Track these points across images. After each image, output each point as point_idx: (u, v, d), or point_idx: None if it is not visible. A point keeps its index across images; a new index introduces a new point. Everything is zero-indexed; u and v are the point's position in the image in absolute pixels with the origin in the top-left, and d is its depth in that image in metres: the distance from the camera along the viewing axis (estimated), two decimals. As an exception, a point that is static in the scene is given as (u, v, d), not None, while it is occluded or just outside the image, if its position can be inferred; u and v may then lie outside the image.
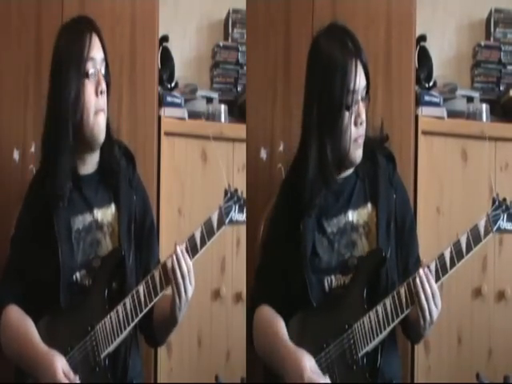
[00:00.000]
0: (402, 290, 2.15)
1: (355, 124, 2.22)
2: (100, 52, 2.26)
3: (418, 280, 2.12)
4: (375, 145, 2.31)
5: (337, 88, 2.19)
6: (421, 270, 2.13)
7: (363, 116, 2.22)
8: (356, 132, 2.22)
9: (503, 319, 3.01)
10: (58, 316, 2.21)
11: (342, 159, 2.25)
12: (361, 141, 2.24)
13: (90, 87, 2.23)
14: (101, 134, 2.25)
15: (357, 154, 2.25)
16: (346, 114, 2.20)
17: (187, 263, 2.14)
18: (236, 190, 2.18)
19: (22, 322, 2.23)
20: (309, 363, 2.15)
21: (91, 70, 2.23)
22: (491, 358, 2.99)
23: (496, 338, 3.00)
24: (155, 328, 2.28)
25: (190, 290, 2.15)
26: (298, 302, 2.25)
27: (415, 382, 2.89)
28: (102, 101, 2.25)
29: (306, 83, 2.29)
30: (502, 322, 3.01)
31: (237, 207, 2.16)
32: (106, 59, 2.27)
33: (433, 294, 2.11)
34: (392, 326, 2.16)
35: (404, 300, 2.15)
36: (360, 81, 2.20)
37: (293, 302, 2.26)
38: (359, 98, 2.21)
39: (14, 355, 2.24)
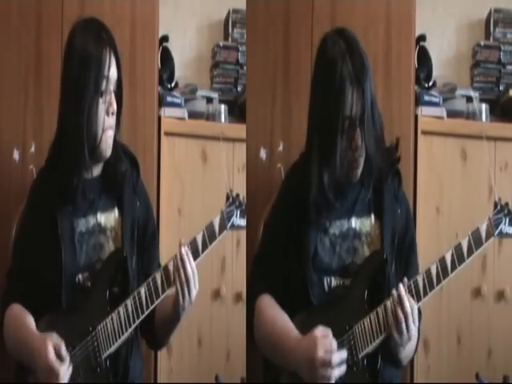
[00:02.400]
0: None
1: (350, 148, 2.21)
2: (115, 71, 2.23)
3: (395, 298, 2.14)
4: (385, 164, 2.29)
5: (333, 116, 2.18)
6: (394, 291, 2.15)
7: (358, 141, 2.20)
8: (352, 156, 2.22)
9: (503, 319, 3.02)
10: (59, 316, 2.21)
11: (339, 181, 2.25)
12: (356, 164, 2.23)
13: (101, 106, 2.21)
14: (107, 150, 2.25)
15: (353, 175, 2.26)
16: (341, 140, 2.19)
17: (191, 265, 2.15)
18: (238, 196, 2.19)
19: (21, 315, 2.24)
20: (322, 342, 2.13)
21: (105, 89, 2.21)
22: (491, 357, 3.00)
23: (495, 337, 3.00)
24: (157, 330, 2.29)
25: (194, 292, 2.16)
26: (298, 299, 2.25)
27: (415, 381, 2.90)
28: (112, 120, 2.24)
29: (310, 92, 2.28)
30: (501, 321, 3.01)
31: (238, 212, 2.18)
32: (120, 78, 2.25)
33: (412, 312, 2.13)
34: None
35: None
36: (357, 107, 2.18)
37: (292, 298, 2.25)
38: (357, 123, 2.19)
39: (13, 348, 2.24)
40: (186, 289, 2.14)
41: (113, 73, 2.23)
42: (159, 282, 2.16)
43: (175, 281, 2.14)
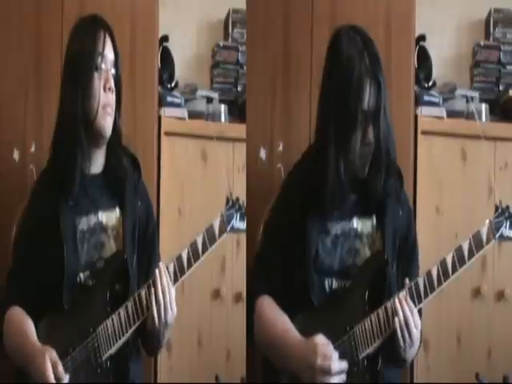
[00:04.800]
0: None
1: (362, 143, 2.22)
2: (111, 52, 2.27)
3: (396, 304, 2.14)
4: (389, 169, 2.28)
5: (352, 111, 2.20)
6: (396, 300, 2.15)
7: (370, 136, 2.21)
8: (363, 150, 2.23)
9: (502, 319, 3.02)
10: (60, 316, 2.21)
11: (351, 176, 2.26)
12: (366, 159, 2.24)
13: (98, 82, 2.24)
14: (106, 129, 2.26)
15: (362, 171, 2.26)
16: (356, 133, 2.21)
17: (169, 285, 2.14)
18: (237, 199, 2.19)
19: (23, 323, 2.23)
20: (321, 349, 2.14)
21: (101, 66, 2.25)
22: (490, 357, 3.00)
23: (495, 337, 3.01)
24: (147, 338, 2.27)
25: (171, 315, 2.16)
26: (299, 300, 2.24)
27: (414, 382, 2.90)
28: (110, 97, 2.26)
29: (322, 85, 2.30)
30: (501, 321, 3.02)
31: (238, 216, 2.18)
32: (117, 62, 2.28)
33: (413, 316, 2.13)
34: (393, 329, 2.16)
35: None
36: (373, 103, 2.20)
37: (293, 298, 2.25)
38: (370, 118, 2.21)
39: (13, 353, 2.24)
40: (161, 308, 2.14)
41: (108, 53, 2.27)
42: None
43: (151, 301, 2.14)
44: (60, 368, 2.14)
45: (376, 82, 2.20)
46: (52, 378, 2.13)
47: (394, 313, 2.14)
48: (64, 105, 2.28)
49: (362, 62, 2.21)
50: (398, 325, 2.13)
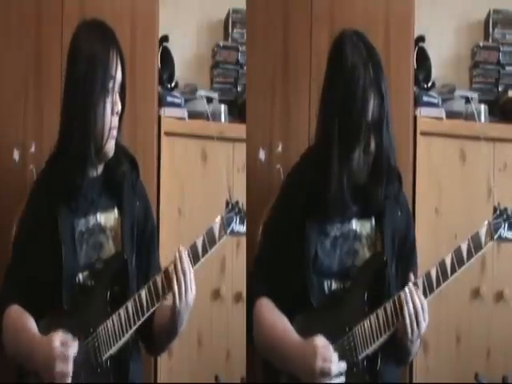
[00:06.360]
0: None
1: (364, 152, 2.22)
2: (120, 73, 2.25)
3: (403, 296, 2.15)
4: (389, 174, 2.29)
5: (356, 121, 2.19)
6: (406, 288, 2.15)
7: (372, 145, 2.21)
8: (365, 159, 2.23)
9: (502, 320, 3.02)
10: (59, 317, 2.21)
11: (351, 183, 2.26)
12: (367, 168, 2.24)
13: (108, 105, 2.23)
14: (110, 151, 2.27)
15: (361, 178, 2.26)
16: (359, 144, 2.21)
17: (189, 266, 2.15)
18: (237, 202, 2.20)
19: (21, 318, 2.24)
20: (321, 352, 2.14)
21: (111, 89, 2.23)
22: (490, 358, 3.00)
23: (494, 338, 3.01)
24: (155, 337, 2.29)
25: (191, 294, 2.16)
26: (298, 300, 2.25)
27: (414, 382, 2.90)
28: (115, 119, 2.25)
29: (324, 91, 2.29)
30: (500, 322, 3.02)
31: (238, 219, 2.19)
32: (124, 81, 2.27)
33: (423, 308, 2.14)
34: (393, 329, 2.17)
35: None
36: (376, 113, 2.20)
37: (292, 299, 2.25)
38: (373, 128, 2.21)
39: (14, 351, 2.24)
40: (183, 288, 2.14)
41: (118, 74, 2.25)
42: (160, 284, 2.17)
43: (172, 281, 2.15)
44: (69, 338, 2.14)
45: (379, 92, 2.20)
46: (59, 346, 2.13)
47: (404, 303, 2.14)
48: (72, 126, 2.23)
49: (366, 72, 2.19)
50: (407, 314, 2.13)
